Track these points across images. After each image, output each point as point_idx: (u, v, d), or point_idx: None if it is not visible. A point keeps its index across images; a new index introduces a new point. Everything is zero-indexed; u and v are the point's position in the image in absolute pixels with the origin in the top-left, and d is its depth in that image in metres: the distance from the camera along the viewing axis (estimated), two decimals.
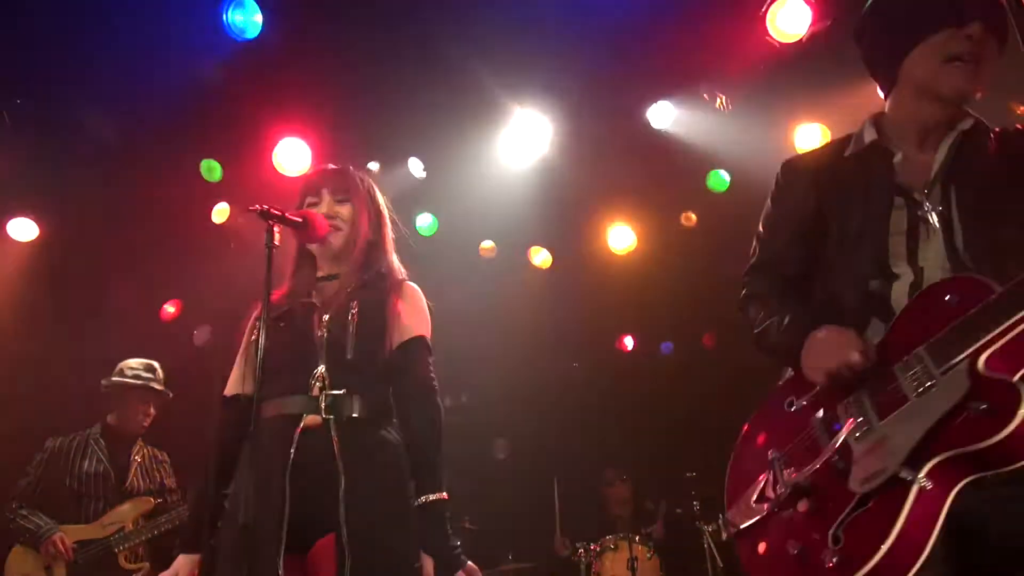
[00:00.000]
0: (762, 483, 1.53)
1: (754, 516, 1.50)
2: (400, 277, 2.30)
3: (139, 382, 3.96)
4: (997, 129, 1.66)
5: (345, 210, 2.25)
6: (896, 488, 1.28)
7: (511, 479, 5.93)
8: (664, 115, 4.69)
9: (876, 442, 1.36)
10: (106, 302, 5.00)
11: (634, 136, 4.76)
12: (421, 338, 2.18)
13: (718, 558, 4.72)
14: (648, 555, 4.74)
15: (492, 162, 4.91)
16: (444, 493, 2.03)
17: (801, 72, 4.17)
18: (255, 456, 1.85)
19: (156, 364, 4.12)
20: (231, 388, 2.23)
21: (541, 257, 5.63)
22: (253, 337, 2.14)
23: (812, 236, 1.70)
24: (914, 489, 1.26)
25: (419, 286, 2.30)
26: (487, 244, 5.60)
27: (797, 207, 1.75)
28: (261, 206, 1.91)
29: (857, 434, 1.41)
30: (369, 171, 4.94)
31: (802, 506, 1.42)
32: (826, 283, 1.67)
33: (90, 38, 4.18)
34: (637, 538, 4.78)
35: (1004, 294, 1.29)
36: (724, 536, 1.55)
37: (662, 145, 4.74)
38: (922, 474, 1.26)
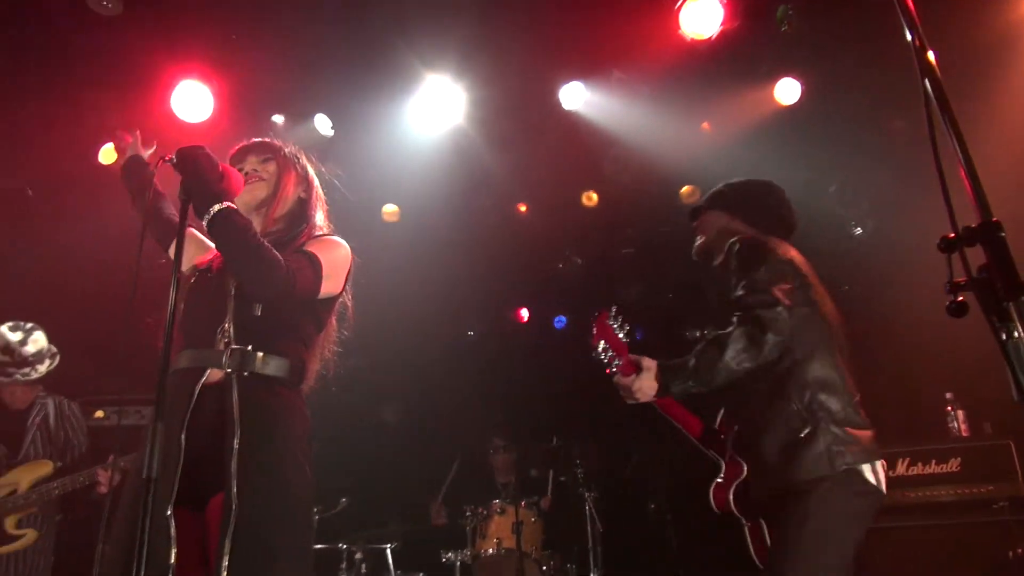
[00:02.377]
0: None
1: None
2: (323, 233, 2.32)
3: (4, 378, 3.66)
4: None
5: (270, 167, 2.31)
6: None
7: (401, 444, 6.05)
8: (576, 96, 4.86)
9: None
10: None
11: (545, 113, 4.91)
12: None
13: (598, 522, 5.04)
14: (533, 519, 4.99)
15: (402, 126, 4.94)
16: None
17: (711, 67, 4.46)
18: (162, 408, 1.80)
19: (33, 335, 3.76)
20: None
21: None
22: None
23: None
24: None
25: None
26: (390, 208, 5.65)
27: None
28: (171, 156, 1.96)
29: None
30: (274, 124, 4.92)
31: None
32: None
33: None
34: (523, 503, 5.00)
35: None
36: None
37: (571, 125, 4.92)
38: None
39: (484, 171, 5.22)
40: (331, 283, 2.19)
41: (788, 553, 2.18)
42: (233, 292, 2.09)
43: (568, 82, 4.86)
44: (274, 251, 2.02)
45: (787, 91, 4.69)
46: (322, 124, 4.97)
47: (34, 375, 3.71)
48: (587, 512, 5.02)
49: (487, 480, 5.54)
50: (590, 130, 4.93)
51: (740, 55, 4.36)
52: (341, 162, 4.91)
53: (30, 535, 3.60)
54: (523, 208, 5.57)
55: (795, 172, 4.19)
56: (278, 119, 4.95)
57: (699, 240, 2.78)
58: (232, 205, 2.02)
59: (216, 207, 1.98)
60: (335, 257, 2.21)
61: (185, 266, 2.11)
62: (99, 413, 4.67)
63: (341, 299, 2.33)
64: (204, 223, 1.99)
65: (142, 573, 1.52)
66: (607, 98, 4.87)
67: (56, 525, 3.75)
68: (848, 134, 4.59)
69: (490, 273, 5.77)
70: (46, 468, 3.70)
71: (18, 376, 3.67)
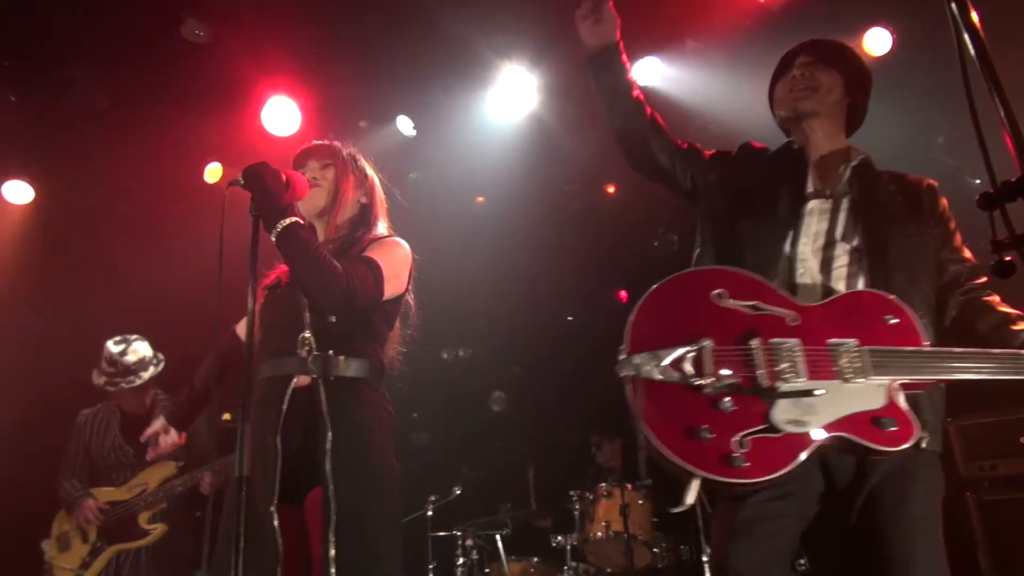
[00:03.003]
0: (682, 353, 1.76)
1: (663, 376, 1.75)
2: (384, 235, 2.38)
3: (112, 388, 4.02)
4: (887, 170, 2.14)
5: (328, 173, 2.38)
6: (803, 436, 1.70)
7: (510, 432, 6.15)
8: (651, 71, 4.78)
9: (800, 394, 1.72)
10: (103, 264, 5.20)
11: None
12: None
13: (707, 504, 4.94)
14: (640, 501, 4.96)
15: (481, 119, 5.03)
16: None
17: (790, 26, 4.28)
18: (251, 413, 1.96)
19: (132, 344, 4.07)
20: (239, 327, 2.48)
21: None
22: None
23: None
24: (815, 444, 1.70)
25: (412, 245, 2.38)
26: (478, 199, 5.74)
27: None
28: (239, 177, 2.05)
29: (786, 376, 1.73)
30: (359, 129, 5.10)
31: (722, 401, 1.72)
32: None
33: None
34: (630, 486, 4.97)
35: (955, 355, 1.78)
36: (620, 373, 1.76)
37: (649, 101, 4.83)
38: (825, 436, 1.70)
39: (566, 156, 5.22)
40: (393, 284, 2.26)
41: (922, 531, 1.84)
42: (307, 303, 2.19)
43: (642, 58, 4.78)
44: (334, 263, 2.10)
45: (877, 41, 4.44)
46: (404, 125, 5.12)
47: (138, 382, 4.01)
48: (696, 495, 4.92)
49: (591, 465, 5.55)
50: (669, 105, 4.81)
51: (821, 9, 4.16)
52: (424, 160, 5.15)
53: (160, 529, 3.95)
54: (611, 189, 5.51)
55: (894, 127, 3.97)
56: (362, 124, 5.10)
57: (804, 92, 2.15)
58: (298, 220, 2.10)
59: (281, 224, 2.06)
60: (395, 259, 2.28)
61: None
62: (226, 416, 4.75)
63: (405, 297, 2.40)
64: (272, 238, 2.07)
65: (240, 563, 1.68)
66: (683, 70, 4.77)
67: (195, 519, 4.14)
68: (947, 82, 4.29)
69: (584, 257, 5.76)
70: (170, 468, 4.03)
71: (123, 384, 3.99)
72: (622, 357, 1.77)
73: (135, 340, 4.12)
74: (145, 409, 4.16)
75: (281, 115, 4.86)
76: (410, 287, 2.40)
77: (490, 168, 5.25)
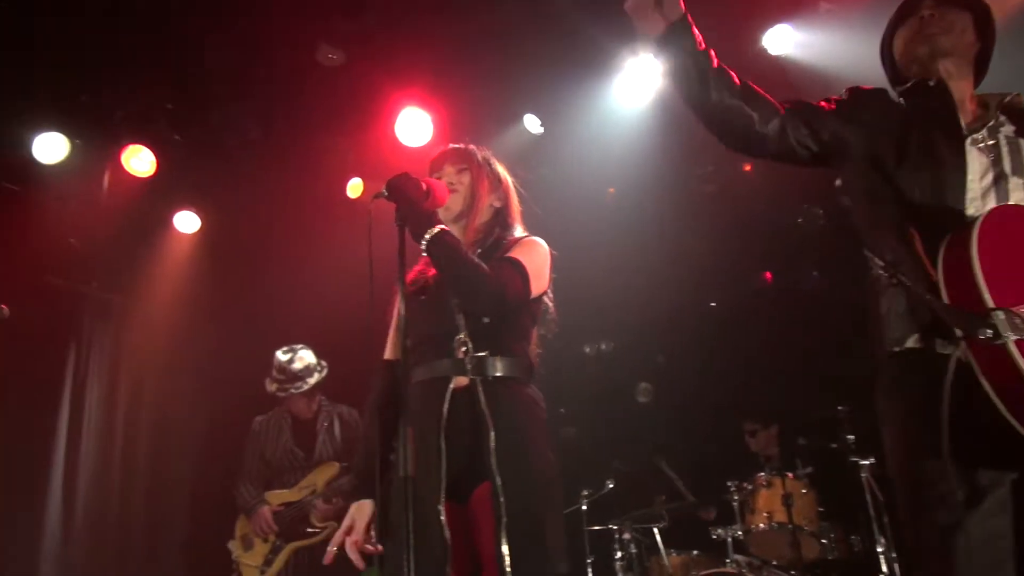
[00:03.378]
0: None
1: None
2: (522, 235, 2.41)
3: (282, 394, 4.36)
4: None
5: (464, 178, 2.41)
6: None
7: (660, 424, 6.06)
8: (783, 39, 4.58)
9: None
10: (265, 282, 5.57)
11: (749, 65, 4.68)
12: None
13: (878, 492, 4.64)
14: (803, 490, 4.75)
15: (606, 108, 4.98)
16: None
17: None
18: (412, 417, 1.98)
19: (298, 353, 4.40)
20: (388, 353, 2.46)
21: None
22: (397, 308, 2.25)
23: None
24: None
25: (547, 243, 2.39)
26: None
27: None
28: (383, 190, 2.09)
29: None
30: (489, 132, 5.18)
31: None
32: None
33: (223, 38, 4.63)
34: (790, 475, 4.79)
35: None
36: (988, 336, 1.48)
37: (781, 72, 4.63)
38: None
39: (695, 138, 4.94)
40: (538, 283, 2.31)
41: None
42: (460, 306, 2.24)
43: (772, 26, 4.58)
44: (483, 267, 2.17)
45: None
46: (531, 124, 5.15)
47: (305, 387, 4.34)
48: (863, 481, 4.68)
49: (746, 454, 5.39)
50: (804, 74, 4.59)
51: None
52: (553, 156, 5.16)
53: (331, 527, 4.19)
54: (747, 167, 5.32)
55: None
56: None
57: (939, 29, 2.01)
58: (444, 227, 2.15)
59: (430, 233, 2.12)
60: (537, 258, 2.33)
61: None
62: None
63: (545, 296, 2.42)
64: (422, 247, 2.14)
65: (412, 560, 1.73)
66: (817, 35, 4.53)
67: None
68: None
69: (723, 240, 5.59)
70: (334, 469, 4.34)
71: (292, 390, 4.33)
72: (987, 317, 1.51)
73: (300, 349, 4.46)
74: (312, 413, 4.49)
75: (414, 126, 5.00)
76: (549, 286, 2.42)
77: (619, 158, 5.19)
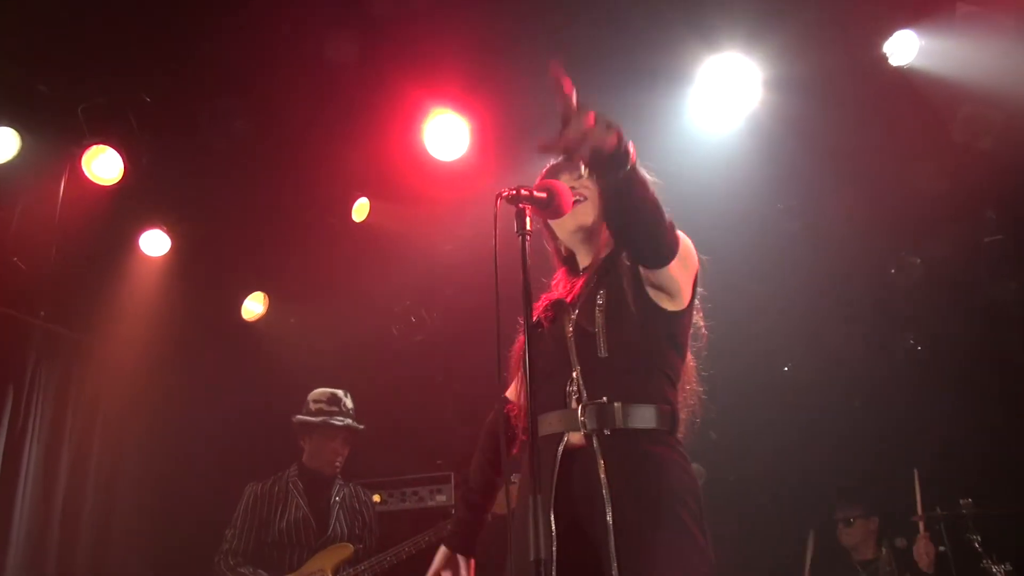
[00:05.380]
0: None
1: None
2: None
3: (318, 420, 3.99)
4: None
5: (588, 183, 2.10)
6: None
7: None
8: (906, 46, 3.86)
9: None
10: (245, 323, 5.06)
11: (866, 77, 3.96)
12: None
13: None
14: None
15: (683, 122, 4.26)
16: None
17: None
18: (530, 484, 1.61)
19: (342, 393, 4.12)
20: (511, 392, 2.26)
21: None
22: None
23: None
24: None
25: None
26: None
27: None
28: (509, 190, 1.72)
29: None
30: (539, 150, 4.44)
31: None
32: None
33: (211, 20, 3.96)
34: None
35: None
36: None
37: (903, 85, 3.90)
38: None
39: (787, 164, 4.33)
40: (683, 275, 1.96)
41: None
42: (572, 335, 1.96)
43: (894, 32, 3.87)
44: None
45: None
46: None
47: (345, 422, 4.02)
48: None
49: (843, 560, 4.55)
50: (930, 87, 3.87)
51: None
52: None
53: None
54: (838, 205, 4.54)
55: None
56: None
57: None
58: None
59: (628, 164, 1.68)
60: (686, 256, 1.95)
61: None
62: (376, 497, 4.77)
63: (692, 311, 2.05)
64: (614, 182, 1.72)
65: None
66: (950, 41, 3.80)
67: None
68: None
69: (802, 287, 4.78)
70: (347, 551, 3.88)
71: (333, 420, 3.97)
72: None
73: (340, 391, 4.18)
74: (334, 471, 4.07)
75: (446, 134, 4.25)
76: (695, 300, 2.05)
77: (690, 183, 4.28)
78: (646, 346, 1.93)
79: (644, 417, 1.87)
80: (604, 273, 2.02)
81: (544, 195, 1.73)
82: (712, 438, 5.23)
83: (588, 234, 2.10)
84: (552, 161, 2.17)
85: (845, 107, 4.06)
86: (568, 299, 2.03)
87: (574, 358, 1.93)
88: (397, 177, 4.54)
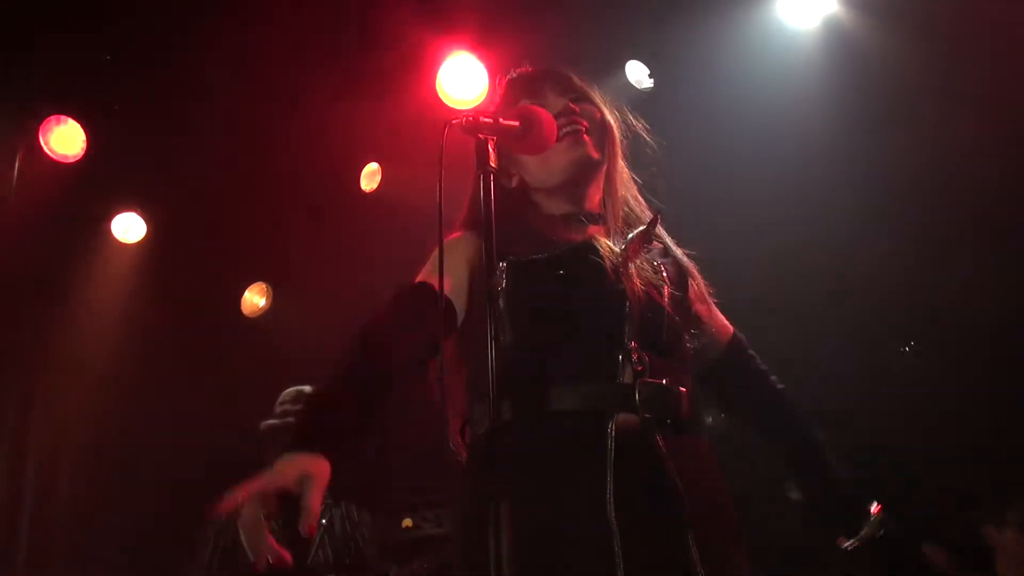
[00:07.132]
0: None
1: None
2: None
3: (284, 422, 3.66)
4: None
5: (589, 108, 1.80)
6: None
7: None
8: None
9: None
10: (235, 318, 4.76)
11: None
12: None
13: None
14: None
15: (748, 46, 3.80)
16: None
17: None
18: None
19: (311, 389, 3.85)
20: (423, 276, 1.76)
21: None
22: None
23: None
24: None
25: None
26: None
27: None
28: (464, 117, 1.47)
29: None
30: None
31: None
32: None
33: None
34: None
35: None
36: None
37: None
38: None
39: (892, 85, 3.68)
40: None
41: None
42: (635, 301, 1.66)
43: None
44: None
45: None
46: (635, 73, 3.91)
47: None
48: None
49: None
50: None
51: None
52: (666, 119, 3.86)
53: None
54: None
55: None
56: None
57: None
58: None
59: None
60: None
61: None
62: (407, 522, 4.42)
63: None
64: None
65: None
66: None
67: None
68: None
69: (922, 241, 4.06)
70: None
71: None
72: None
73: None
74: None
75: (461, 77, 3.90)
76: None
77: (762, 122, 3.85)
78: (686, 347, 1.77)
79: (695, 410, 1.75)
80: (650, 241, 1.78)
81: (516, 123, 1.50)
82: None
83: (585, 175, 1.77)
84: (521, 70, 1.86)
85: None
86: (605, 250, 1.68)
87: (630, 325, 1.65)
88: (408, 137, 4.14)
